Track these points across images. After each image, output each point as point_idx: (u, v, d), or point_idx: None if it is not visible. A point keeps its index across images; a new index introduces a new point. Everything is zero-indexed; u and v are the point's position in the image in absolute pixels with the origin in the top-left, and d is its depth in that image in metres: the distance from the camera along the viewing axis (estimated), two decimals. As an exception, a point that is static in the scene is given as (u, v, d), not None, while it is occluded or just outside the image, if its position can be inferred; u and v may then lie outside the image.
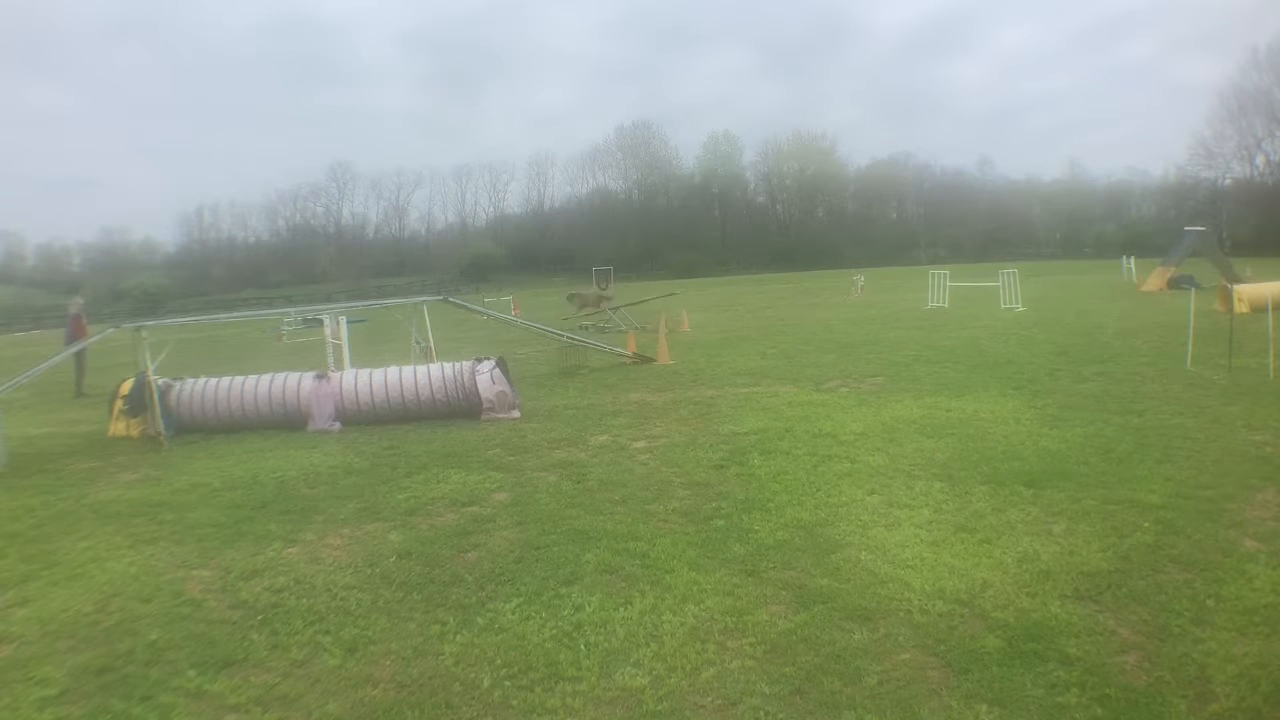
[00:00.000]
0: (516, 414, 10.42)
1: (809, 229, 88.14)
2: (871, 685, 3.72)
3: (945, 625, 4.24)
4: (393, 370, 10.68)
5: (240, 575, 5.46)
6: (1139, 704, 3.48)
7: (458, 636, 4.40)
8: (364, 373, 10.63)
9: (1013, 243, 75.98)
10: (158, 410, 9.70)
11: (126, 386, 10.28)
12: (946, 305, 25.34)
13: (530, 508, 6.60)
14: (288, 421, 10.14)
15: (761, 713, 3.56)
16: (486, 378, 10.37)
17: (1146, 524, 5.52)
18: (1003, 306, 23.56)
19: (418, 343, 12.57)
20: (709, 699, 3.69)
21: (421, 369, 10.61)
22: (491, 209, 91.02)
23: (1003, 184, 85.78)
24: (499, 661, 4.11)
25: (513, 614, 4.63)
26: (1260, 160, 69.45)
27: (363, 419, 10.21)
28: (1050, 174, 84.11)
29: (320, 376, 10.42)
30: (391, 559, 5.59)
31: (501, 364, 10.67)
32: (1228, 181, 70.75)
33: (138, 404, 9.97)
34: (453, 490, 7.25)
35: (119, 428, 10.18)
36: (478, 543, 5.84)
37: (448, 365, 10.68)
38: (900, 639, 4.13)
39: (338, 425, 10.09)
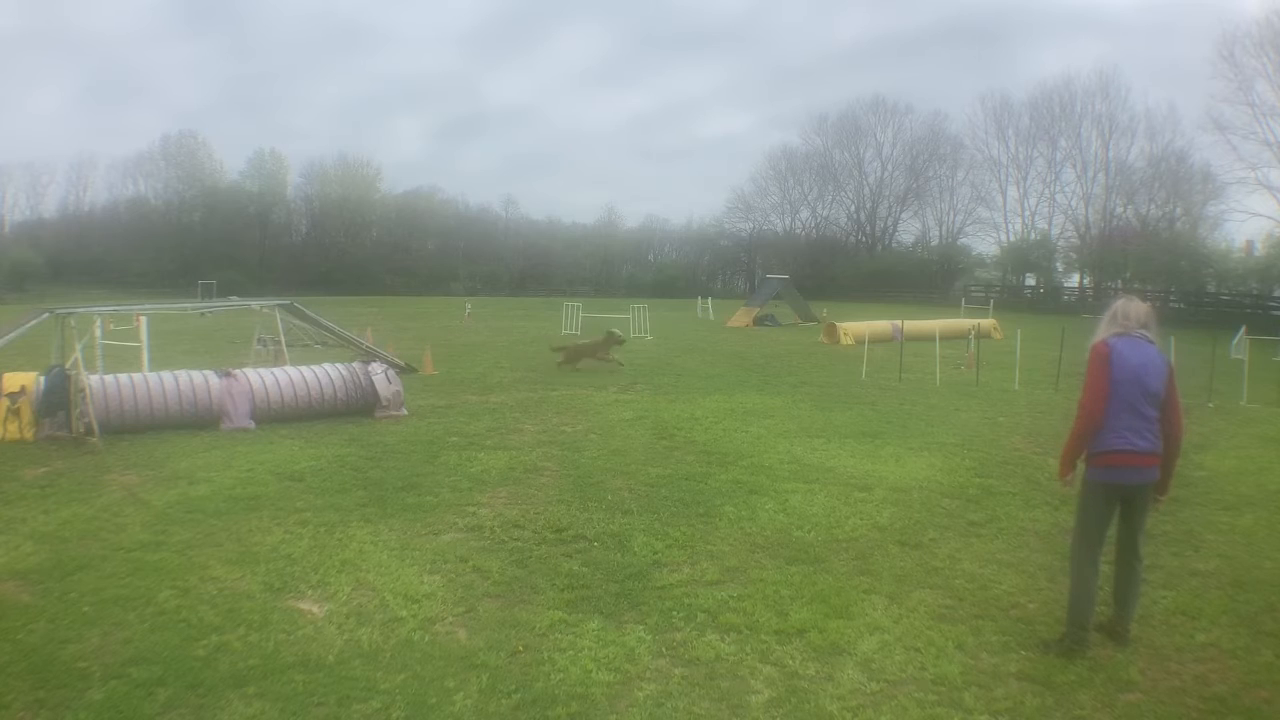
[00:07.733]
0: (404, 411, 11.68)
1: (350, 255, 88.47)
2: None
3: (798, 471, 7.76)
4: (293, 370, 11.16)
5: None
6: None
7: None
8: (266, 372, 10.96)
9: (551, 280, 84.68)
10: (90, 409, 9.05)
11: (15, 382, 9.23)
12: (578, 332, 29.23)
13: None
14: (198, 420, 10.15)
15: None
16: (383, 378, 11.48)
17: (959, 451, 9.69)
18: (633, 335, 28.23)
19: (263, 344, 12.73)
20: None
21: (319, 369, 11.27)
22: (29, 212, 77.71)
23: (526, 224, 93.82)
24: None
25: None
26: (805, 213, 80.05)
27: (271, 417, 10.64)
28: (571, 218, 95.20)
29: (226, 374, 10.55)
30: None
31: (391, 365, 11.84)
32: (776, 232, 79.26)
33: (54, 402, 9.09)
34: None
35: (10, 429, 9.11)
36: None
37: (341, 366, 11.51)
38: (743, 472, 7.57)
39: (252, 424, 10.41)
